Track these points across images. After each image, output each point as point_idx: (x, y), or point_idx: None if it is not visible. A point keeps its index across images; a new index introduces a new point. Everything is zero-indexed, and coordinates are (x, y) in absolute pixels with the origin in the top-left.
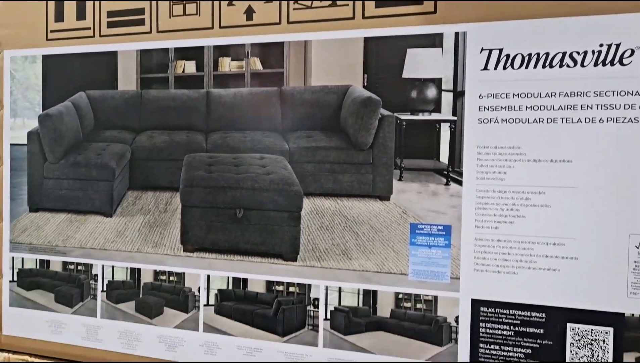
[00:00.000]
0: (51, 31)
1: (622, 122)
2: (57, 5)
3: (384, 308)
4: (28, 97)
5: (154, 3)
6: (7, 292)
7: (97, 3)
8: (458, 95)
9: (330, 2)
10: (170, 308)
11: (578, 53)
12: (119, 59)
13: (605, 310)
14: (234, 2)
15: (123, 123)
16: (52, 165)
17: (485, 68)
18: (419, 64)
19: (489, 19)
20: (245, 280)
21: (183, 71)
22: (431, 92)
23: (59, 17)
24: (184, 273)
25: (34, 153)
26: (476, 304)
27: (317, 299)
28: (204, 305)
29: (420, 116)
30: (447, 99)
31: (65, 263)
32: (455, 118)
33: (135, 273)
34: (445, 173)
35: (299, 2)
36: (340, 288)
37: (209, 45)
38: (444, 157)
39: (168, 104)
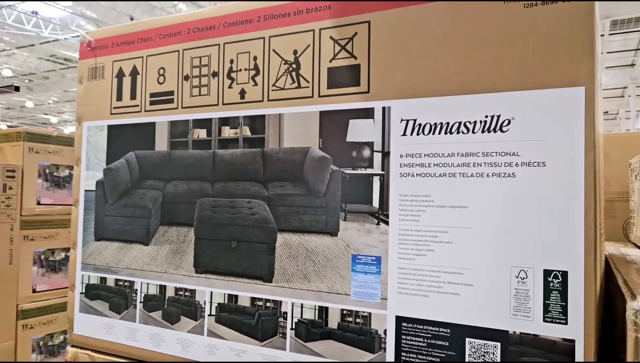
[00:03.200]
0: (114, 107)
1: (503, 176)
2: (118, 88)
3: (333, 321)
4: (97, 156)
5: (179, 87)
6: (78, 301)
7: (143, 87)
8: (385, 155)
9: (296, 85)
10: (185, 317)
11: (470, 122)
12: (157, 128)
13: (494, 327)
14: (232, 85)
15: (158, 175)
16: (110, 206)
17: (404, 134)
18: (358, 131)
19: (406, 97)
20: (236, 296)
21: (198, 136)
22: (366, 152)
23: (119, 97)
24: (195, 290)
25: (99, 197)
26: (399, 320)
27: (286, 312)
28: (208, 315)
29: (359, 171)
30: (377, 158)
31: (117, 280)
32: (383, 172)
33: (163, 289)
34: (377, 215)
35: (275, 85)
36: (302, 305)
37: (215, 117)
38: (376, 202)
39: (187, 161)
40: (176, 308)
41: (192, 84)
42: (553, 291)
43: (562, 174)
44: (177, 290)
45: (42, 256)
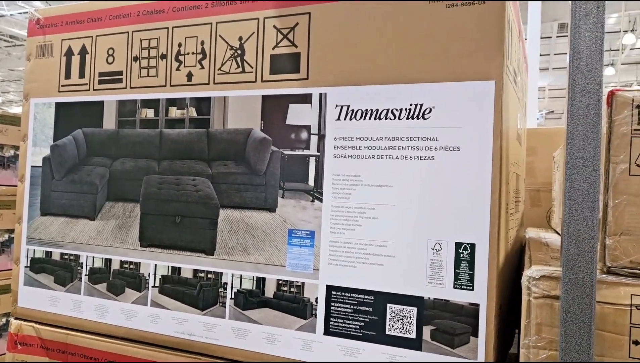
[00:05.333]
0: (62, 85)
1: (424, 159)
2: (66, 67)
3: (269, 291)
4: (44, 133)
5: (129, 67)
6: (22, 274)
7: (92, 66)
8: (321, 137)
9: (241, 70)
10: (130, 289)
11: (396, 109)
12: (105, 107)
13: (412, 294)
14: (180, 68)
15: (105, 152)
16: (57, 181)
17: (338, 119)
18: (297, 115)
19: (342, 85)
20: (179, 269)
21: (145, 116)
22: (304, 135)
23: (67, 75)
24: (139, 263)
25: (46, 173)
26: (329, 289)
27: (226, 283)
28: (152, 287)
29: (297, 152)
30: (314, 140)
31: (62, 254)
32: (319, 154)
33: (109, 262)
34: (312, 192)
35: (221, 69)
36: (241, 276)
37: (162, 98)
38: (312, 181)
39: (135, 139)
40: (121, 280)
41: (141, 65)
42: (462, 262)
43: (474, 158)
44: (122, 263)
45: None
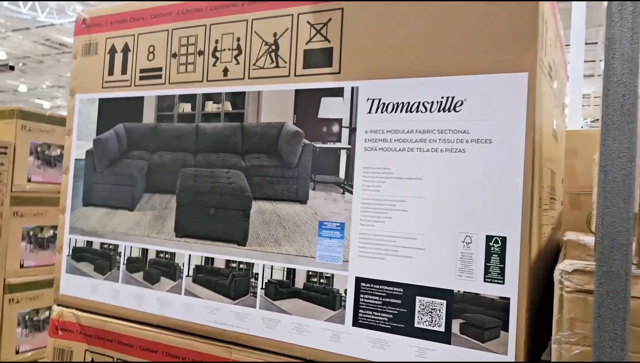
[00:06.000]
0: (105, 81)
1: (455, 152)
2: (110, 64)
3: (299, 282)
4: (88, 127)
5: (168, 64)
6: (65, 262)
7: (133, 63)
8: (352, 130)
9: (275, 65)
10: (165, 277)
11: (427, 102)
12: (145, 102)
13: (441, 287)
14: (216, 64)
15: (144, 146)
16: (99, 174)
17: (370, 112)
18: (329, 108)
19: (373, 78)
20: (212, 259)
21: (183, 111)
22: (335, 128)
23: (110, 72)
24: (174, 253)
25: (89, 165)
26: (358, 280)
27: (257, 274)
28: (186, 276)
29: (328, 145)
30: (345, 133)
31: (102, 243)
32: (350, 146)
33: (145, 251)
34: (342, 185)
35: (256, 64)
36: (272, 266)
37: (199, 93)
38: (342, 174)
39: (172, 133)
40: (156, 269)
41: (180, 61)
42: (493, 255)
43: (505, 150)
44: (158, 252)
45: (31, 233)
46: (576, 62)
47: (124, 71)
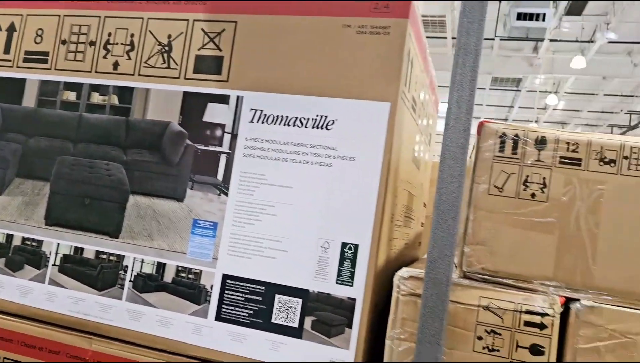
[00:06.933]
0: None
1: (323, 165)
2: None
3: (168, 276)
4: None
5: (56, 50)
6: None
7: (18, 44)
8: (234, 136)
9: (166, 66)
10: (29, 265)
11: (304, 118)
12: (27, 85)
13: (299, 287)
14: (107, 56)
15: (21, 129)
16: None
17: (252, 121)
18: (214, 113)
19: (258, 90)
20: (82, 249)
21: (67, 99)
22: (218, 132)
23: None
24: (42, 241)
25: None
26: (225, 277)
27: (127, 266)
28: (52, 265)
29: (210, 148)
30: (227, 138)
31: None
32: (230, 151)
33: (10, 238)
34: (219, 186)
35: (147, 62)
36: (143, 260)
37: (86, 83)
38: (220, 176)
39: (53, 119)
40: (20, 257)
41: (69, 49)
42: (346, 260)
43: (365, 168)
44: (24, 239)
45: None
46: None
47: (6, 51)
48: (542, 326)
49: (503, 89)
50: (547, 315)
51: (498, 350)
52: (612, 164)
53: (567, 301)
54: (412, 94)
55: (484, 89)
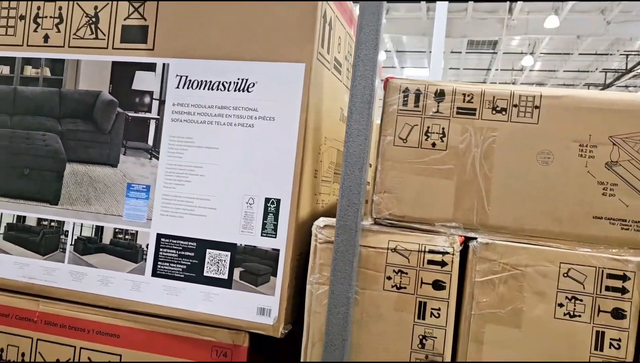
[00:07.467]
0: None
1: (246, 126)
2: None
3: (107, 238)
4: None
5: None
6: None
7: None
8: (162, 102)
9: (94, 37)
10: None
11: (226, 82)
12: None
13: (227, 241)
14: (37, 30)
15: None
16: None
17: (178, 87)
18: (142, 81)
19: (182, 57)
20: (25, 217)
21: (1, 73)
22: (147, 99)
23: None
24: None
25: None
26: (159, 236)
27: (68, 231)
28: None
29: (140, 114)
30: (155, 104)
31: None
32: (158, 117)
33: None
34: (150, 151)
35: (76, 34)
36: (82, 224)
37: (19, 56)
38: (151, 141)
39: None
40: None
41: (0, 24)
42: (269, 214)
43: (284, 127)
44: None
45: None
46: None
47: None
48: (443, 263)
49: (480, 52)
50: (447, 253)
51: (405, 288)
52: (504, 113)
53: (466, 240)
54: (333, 55)
55: (460, 53)
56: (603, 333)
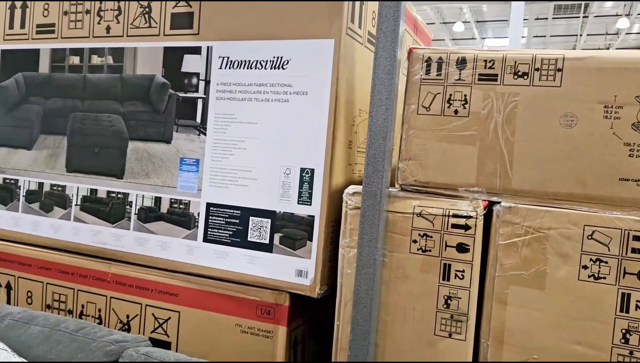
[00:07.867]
0: (6, 35)
1: (281, 101)
2: (9, 18)
3: (164, 208)
4: None
5: (60, 21)
6: None
7: (31, 18)
8: (207, 83)
9: (148, 25)
10: (57, 207)
11: (263, 61)
12: (40, 54)
13: (268, 209)
14: (100, 22)
15: (40, 93)
16: (1, 117)
17: (220, 68)
18: (189, 64)
19: (224, 39)
20: (96, 190)
21: (72, 63)
22: (194, 80)
23: (11, 26)
24: (65, 186)
25: None
26: (208, 205)
27: (131, 201)
28: (75, 205)
29: (189, 94)
30: (202, 85)
31: (4, 178)
32: (205, 96)
33: (41, 185)
34: (198, 128)
35: (133, 24)
36: (143, 196)
37: (86, 47)
38: (199, 118)
39: (64, 82)
40: (50, 200)
41: (70, 19)
42: (305, 183)
43: (316, 100)
44: (52, 186)
45: None
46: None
47: (22, 26)
48: (466, 227)
49: (568, 16)
50: (470, 217)
51: (430, 251)
52: (525, 77)
53: (490, 205)
54: (367, 30)
55: (547, 19)
56: (629, 295)
